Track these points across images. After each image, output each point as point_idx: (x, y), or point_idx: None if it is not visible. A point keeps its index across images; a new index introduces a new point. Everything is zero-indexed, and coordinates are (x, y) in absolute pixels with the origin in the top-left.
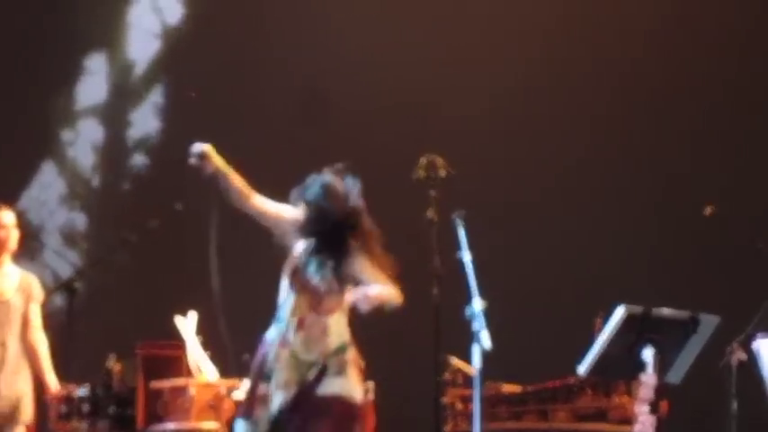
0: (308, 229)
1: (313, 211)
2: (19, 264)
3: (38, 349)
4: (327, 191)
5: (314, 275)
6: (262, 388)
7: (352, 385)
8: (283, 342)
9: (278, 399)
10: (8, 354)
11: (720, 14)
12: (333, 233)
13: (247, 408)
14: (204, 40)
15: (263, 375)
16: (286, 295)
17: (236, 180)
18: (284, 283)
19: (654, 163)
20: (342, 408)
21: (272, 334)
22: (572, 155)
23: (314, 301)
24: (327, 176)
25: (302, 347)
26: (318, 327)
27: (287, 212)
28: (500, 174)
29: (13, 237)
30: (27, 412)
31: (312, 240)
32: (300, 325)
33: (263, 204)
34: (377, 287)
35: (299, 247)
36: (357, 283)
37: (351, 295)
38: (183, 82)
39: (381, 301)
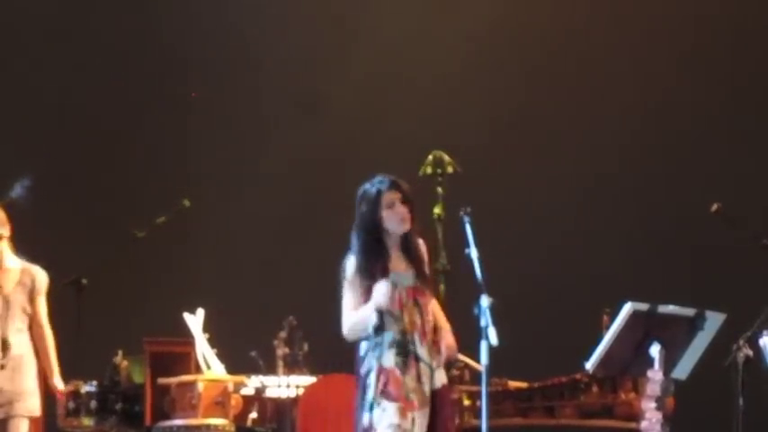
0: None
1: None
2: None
3: (41, 344)
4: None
5: (409, 279)
6: (364, 418)
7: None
8: (396, 364)
9: (420, 420)
10: (10, 349)
11: (720, 13)
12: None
13: None
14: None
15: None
16: (387, 321)
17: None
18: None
19: (661, 160)
20: (448, 393)
21: (370, 363)
22: (580, 151)
23: (423, 302)
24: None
25: (427, 355)
26: (430, 326)
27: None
28: (507, 170)
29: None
30: (30, 407)
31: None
32: (423, 337)
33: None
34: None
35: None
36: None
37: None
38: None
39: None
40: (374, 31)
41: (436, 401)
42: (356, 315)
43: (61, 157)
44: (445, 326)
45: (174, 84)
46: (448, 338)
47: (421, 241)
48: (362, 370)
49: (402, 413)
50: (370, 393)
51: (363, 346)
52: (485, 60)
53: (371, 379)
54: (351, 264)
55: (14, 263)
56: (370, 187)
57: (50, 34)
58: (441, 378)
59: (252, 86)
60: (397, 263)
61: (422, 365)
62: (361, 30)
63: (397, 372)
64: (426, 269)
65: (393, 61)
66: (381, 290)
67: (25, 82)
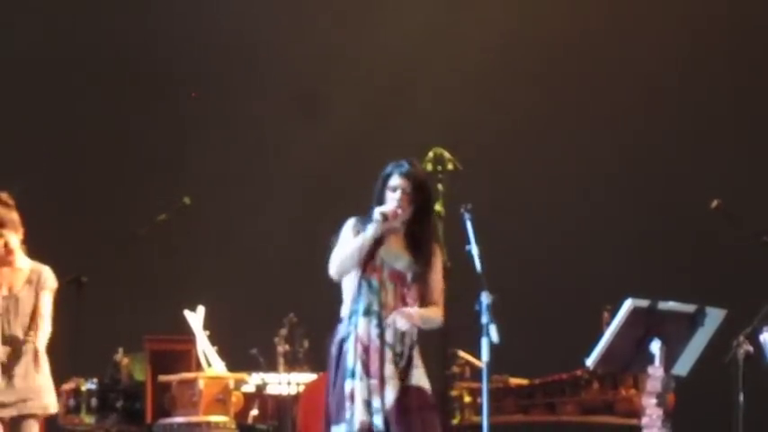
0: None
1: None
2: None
3: (37, 333)
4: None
5: (400, 264)
6: (347, 385)
7: (425, 375)
8: (371, 335)
9: (390, 395)
10: (22, 347)
11: (720, 13)
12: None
13: (339, 410)
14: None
15: (344, 372)
16: (363, 287)
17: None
18: (356, 275)
19: (661, 156)
20: (424, 398)
21: (346, 329)
22: (580, 148)
23: (402, 290)
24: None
25: (395, 339)
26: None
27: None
28: (508, 167)
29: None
30: (45, 404)
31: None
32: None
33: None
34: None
35: (369, 233)
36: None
37: (393, 314)
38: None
39: (422, 320)
40: (375, 31)
41: (413, 402)
42: (349, 243)
43: (62, 155)
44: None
45: (174, 83)
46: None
47: (437, 248)
48: (340, 335)
49: (377, 391)
50: (350, 360)
51: (343, 311)
52: (486, 60)
53: (349, 345)
54: (349, 223)
55: (25, 263)
56: (389, 165)
57: (51, 32)
58: (419, 378)
59: (252, 86)
60: (394, 243)
61: (386, 348)
62: (362, 29)
63: (376, 343)
64: (427, 266)
65: (394, 61)
66: (387, 204)
67: (25, 80)
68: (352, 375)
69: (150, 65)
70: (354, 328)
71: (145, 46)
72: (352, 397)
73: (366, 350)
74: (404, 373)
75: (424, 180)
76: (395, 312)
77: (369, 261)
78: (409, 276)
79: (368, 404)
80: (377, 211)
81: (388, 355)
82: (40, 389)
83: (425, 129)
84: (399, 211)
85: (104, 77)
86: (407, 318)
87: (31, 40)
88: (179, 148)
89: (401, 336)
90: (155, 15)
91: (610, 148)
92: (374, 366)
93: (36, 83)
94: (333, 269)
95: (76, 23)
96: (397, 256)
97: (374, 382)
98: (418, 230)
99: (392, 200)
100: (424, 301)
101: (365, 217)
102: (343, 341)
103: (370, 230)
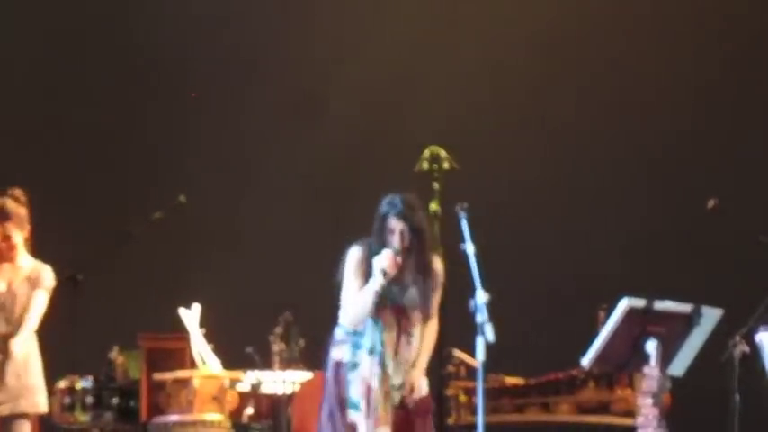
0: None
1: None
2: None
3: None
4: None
5: (403, 297)
6: (350, 415)
7: (425, 380)
8: (371, 373)
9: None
10: (12, 345)
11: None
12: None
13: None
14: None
15: (348, 401)
16: (369, 324)
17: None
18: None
19: (657, 156)
20: (421, 405)
21: (348, 356)
22: (576, 148)
23: (405, 322)
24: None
25: (394, 371)
26: (409, 348)
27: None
28: (504, 166)
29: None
30: (36, 403)
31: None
32: (396, 352)
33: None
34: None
35: (373, 289)
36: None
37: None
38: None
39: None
40: (374, 31)
41: (410, 413)
42: (359, 295)
43: (57, 154)
44: (419, 364)
45: (172, 81)
46: (412, 377)
47: (439, 268)
48: (337, 356)
49: (378, 425)
50: (354, 392)
51: (340, 332)
52: (484, 58)
53: (354, 378)
54: (356, 252)
55: (27, 262)
56: (384, 205)
57: (49, 33)
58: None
59: (250, 85)
60: (403, 275)
61: (390, 384)
62: (361, 29)
63: (375, 382)
64: (430, 297)
65: (393, 61)
66: (384, 254)
67: (22, 79)
68: (356, 408)
69: (150, 64)
70: (358, 364)
71: (144, 45)
72: (353, 428)
73: (368, 390)
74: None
75: (419, 219)
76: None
77: (378, 301)
78: (410, 309)
79: None
80: (376, 266)
81: (390, 394)
82: (33, 388)
83: (425, 129)
84: (399, 260)
85: (104, 76)
86: (416, 391)
87: (31, 39)
88: (177, 146)
89: (402, 367)
90: (154, 15)
91: (605, 148)
92: (374, 405)
93: (35, 81)
94: (346, 323)
95: (77, 23)
96: (402, 290)
97: (376, 418)
98: (420, 263)
99: (391, 243)
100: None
101: (367, 240)
102: (343, 366)
103: (373, 289)
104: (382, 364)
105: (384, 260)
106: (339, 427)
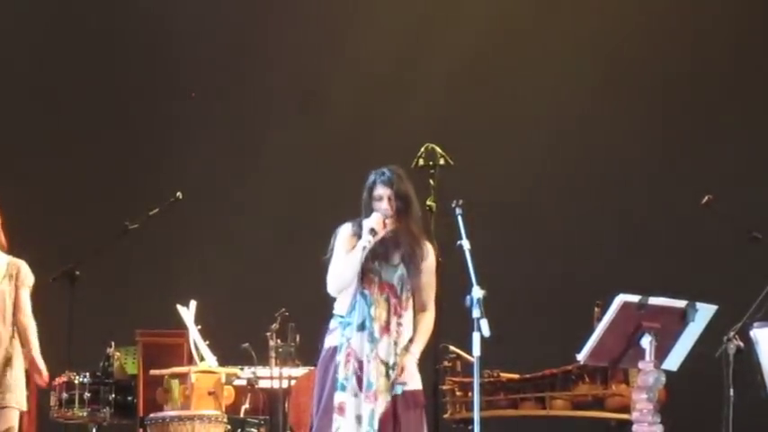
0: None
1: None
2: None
3: (24, 335)
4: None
5: (393, 276)
6: (336, 397)
7: (418, 375)
8: (364, 349)
9: (380, 408)
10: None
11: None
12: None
13: (325, 420)
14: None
15: (334, 383)
16: (358, 299)
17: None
18: (353, 285)
19: (652, 152)
20: (413, 399)
21: (339, 339)
22: (573, 144)
23: (395, 303)
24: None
25: (386, 352)
26: (399, 330)
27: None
28: (500, 162)
29: None
30: (20, 398)
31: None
32: (385, 330)
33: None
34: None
35: (360, 249)
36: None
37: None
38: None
39: (420, 351)
40: (372, 29)
41: (402, 407)
42: (343, 260)
43: (55, 149)
44: (413, 350)
45: (171, 79)
46: (405, 359)
47: (430, 249)
48: (330, 343)
49: (369, 404)
50: (341, 373)
51: (334, 322)
52: (481, 56)
53: (341, 357)
54: (346, 228)
55: (2, 256)
56: (371, 174)
57: (50, 31)
58: (412, 383)
59: (249, 83)
60: (391, 254)
61: (378, 362)
62: (357, 26)
63: (369, 357)
64: (417, 273)
65: (390, 59)
66: (373, 215)
67: (21, 76)
68: (343, 388)
69: (149, 64)
70: (347, 341)
71: (143, 44)
72: (341, 410)
73: (360, 366)
74: (396, 382)
75: (406, 187)
76: (399, 374)
77: (366, 273)
78: (399, 289)
79: (359, 419)
80: (365, 226)
81: (381, 369)
82: (18, 383)
83: (421, 127)
84: (387, 221)
85: (102, 74)
86: (407, 373)
87: (31, 37)
88: (175, 144)
89: (394, 347)
90: (153, 14)
91: (602, 146)
92: (367, 380)
93: (34, 79)
94: (330, 286)
95: (76, 21)
96: (391, 269)
97: (366, 396)
98: (403, 236)
99: (379, 209)
100: (416, 308)
101: (359, 219)
102: (335, 350)
103: (361, 246)
104: (372, 341)
105: (372, 220)
106: (328, 408)
